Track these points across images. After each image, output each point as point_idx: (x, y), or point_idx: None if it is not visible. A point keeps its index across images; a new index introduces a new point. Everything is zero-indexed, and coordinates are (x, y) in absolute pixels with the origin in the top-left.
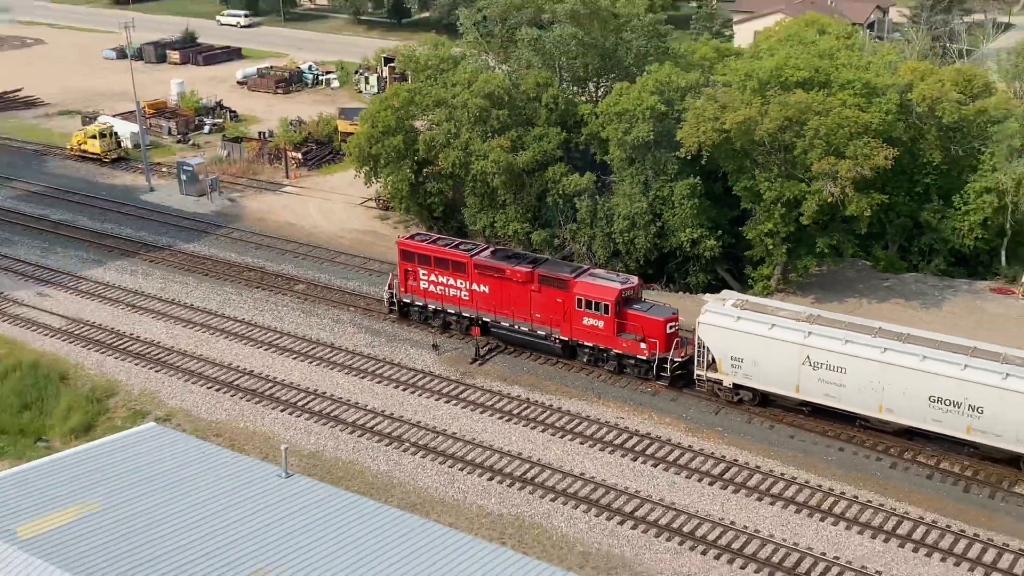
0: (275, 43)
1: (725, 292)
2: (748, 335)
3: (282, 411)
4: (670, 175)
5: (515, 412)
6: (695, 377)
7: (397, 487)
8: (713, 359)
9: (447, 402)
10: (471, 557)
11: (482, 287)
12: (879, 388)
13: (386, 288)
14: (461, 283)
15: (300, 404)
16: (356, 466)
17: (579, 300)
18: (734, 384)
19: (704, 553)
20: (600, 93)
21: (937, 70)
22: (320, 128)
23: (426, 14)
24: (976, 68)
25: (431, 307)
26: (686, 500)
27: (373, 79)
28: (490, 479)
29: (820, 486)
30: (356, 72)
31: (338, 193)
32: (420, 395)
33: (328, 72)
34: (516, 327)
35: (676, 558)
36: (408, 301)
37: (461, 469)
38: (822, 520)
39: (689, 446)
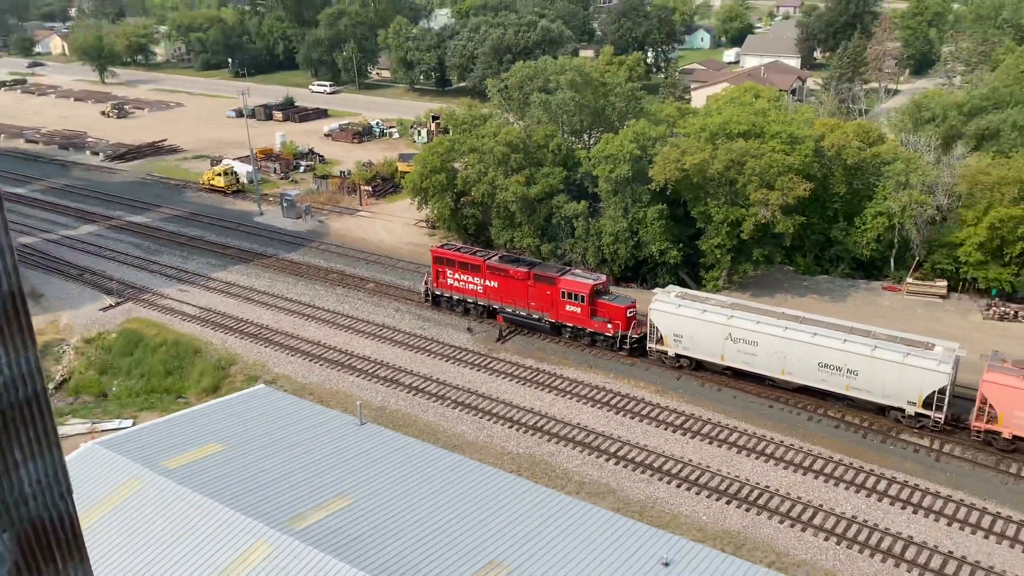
0: (352, 105)
1: (670, 287)
2: (686, 318)
3: (357, 376)
4: (644, 202)
5: (529, 378)
6: (647, 349)
7: (441, 433)
8: (660, 336)
9: (478, 370)
10: (494, 481)
11: (492, 283)
12: (782, 356)
13: (423, 284)
14: (477, 280)
15: (370, 371)
16: (411, 417)
17: (563, 292)
18: (676, 354)
19: (669, 483)
20: (592, 141)
21: (842, 124)
22: (385, 168)
23: (463, 84)
24: (872, 123)
25: (455, 298)
26: (655, 443)
27: (424, 132)
28: (510, 427)
29: (755, 433)
30: (411, 126)
31: (397, 216)
32: (458, 365)
33: (391, 127)
34: (517, 312)
35: (648, 486)
36: (439, 293)
37: (489, 420)
38: (757, 459)
39: (658, 404)
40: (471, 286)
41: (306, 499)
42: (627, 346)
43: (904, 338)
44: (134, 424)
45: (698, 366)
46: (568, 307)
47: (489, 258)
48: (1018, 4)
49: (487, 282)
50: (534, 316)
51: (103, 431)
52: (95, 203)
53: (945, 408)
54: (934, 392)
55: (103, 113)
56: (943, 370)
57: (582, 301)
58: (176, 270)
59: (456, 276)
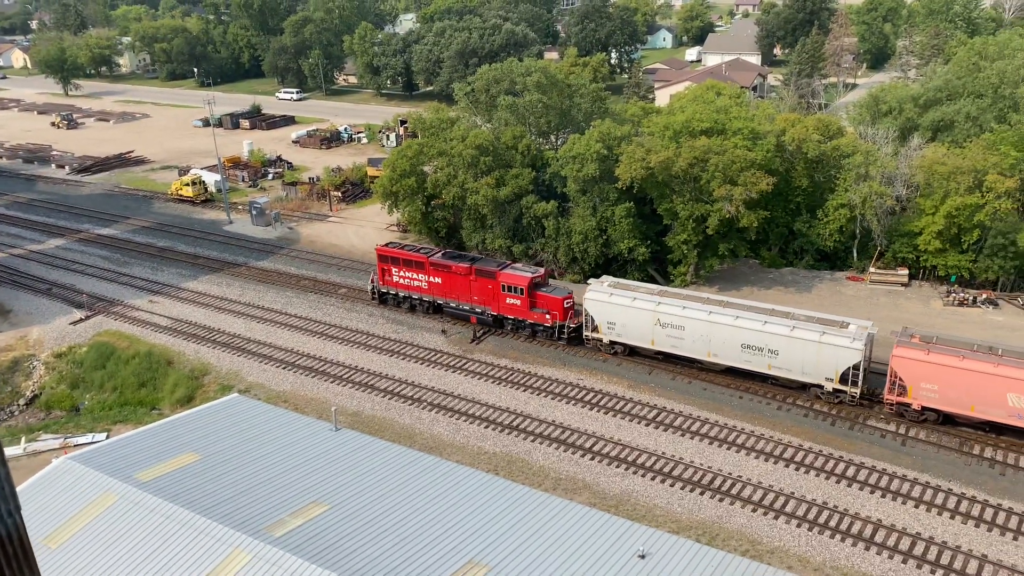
0: (320, 111)
1: (604, 277)
2: (618, 306)
3: (332, 382)
4: (611, 201)
5: (504, 378)
6: (584, 337)
7: (418, 436)
8: (595, 324)
9: (453, 372)
10: (471, 481)
11: (436, 279)
12: (707, 339)
13: (369, 282)
14: (422, 277)
15: (345, 377)
16: (387, 421)
17: (503, 286)
18: (611, 341)
19: (643, 476)
20: (559, 142)
21: (803, 119)
22: (354, 173)
23: (430, 88)
24: (831, 117)
25: (401, 295)
26: (629, 437)
27: (392, 136)
28: (486, 427)
29: (726, 424)
30: (379, 131)
31: (368, 221)
32: (433, 367)
33: (359, 132)
34: (461, 307)
35: (623, 480)
36: (385, 291)
37: (465, 421)
38: (728, 449)
39: (630, 398)
40: (416, 283)
41: (283, 506)
42: (565, 335)
43: (821, 318)
44: (108, 437)
45: (631, 352)
46: (508, 300)
47: (432, 255)
48: None
49: (431, 278)
50: (477, 310)
51: (76, 446)
52: (62, 216)
53: (860, 383)
54: (849, 368)
55: (53, 124)
56: (856, 347)
57: (521, 293)
58: (146, 281)
59: (401, 273)
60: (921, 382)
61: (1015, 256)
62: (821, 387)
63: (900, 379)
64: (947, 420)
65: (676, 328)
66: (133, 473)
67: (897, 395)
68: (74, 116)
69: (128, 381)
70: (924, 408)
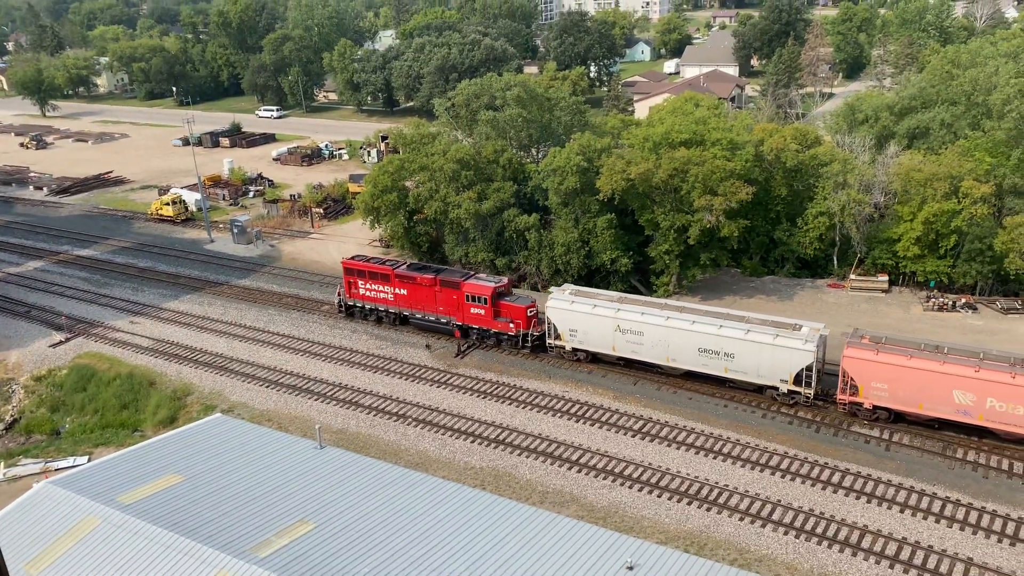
0: (300, 129)
1: (565, 285)
2: (579, 313)
3: (315, 400)
4: (593, 213)
5: (489, 392)
6: (547, 345)
7: (403, 452)
8: (558, 332)
9: (438, 387)
10: (457, 497)
11: (401, 291)
12: (665, 344)
13: (336, 296)
14: (387, 289)
15: (328, 394)
16: (372, 438)
17: (467, 296)
18: (573, 348)
19: (631, 487)
20: (540, 155)
21: (780, 129)
22: (335, 189)
23: (411, 103)
24: (808, 126)
25: (368, 307)
26: (615, 449)
27: (373, 152)
28: (472, 442)
29: (712, 433)
30: (360, 147)
31: (351, 237)
32: (418, 383)
33: (340, 148)
34: (426, 317)
35: (610, 492)
36: (352, 304)
37: (451, 436)
38: (715, 458)
39: (616, 409)
40: (382, 295)
41: (268, 526)
42: (529, 344)
43: (774, 321)
44: (89, 461)
45: (594, 359)
46: (473, 309)
47: (397, 267)
48: (940, 8)
49: (397, 290)
50: (442, 320)
51: (57, 470)
52: (41, 238)
53: (814, 384)
54: (803, 369)
55: (22, 145)
56: (808, 348)
57: (485, 303)
58: (127, 302)
59: (367, 286)
60: (872, 381)
61: (992, 260)
62: (776, 389)
63: (852, 379)
64: (898, 418)
65: (635, 334)
66: (116, 496)
67: (849, 395)
68: (43, 137)
69: (109, 403)
70: (876, 407)
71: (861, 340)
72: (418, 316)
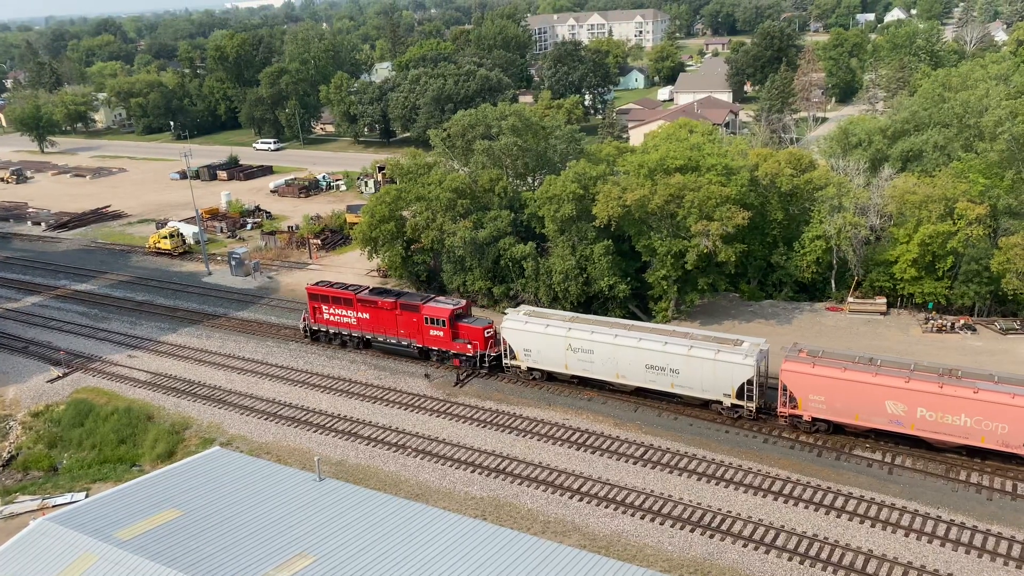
0: (297, 161)
1: (521, 307)
2: (533, 333)
3: (314, 432)
4: (590, 239)
5: (489, 420)
6: (504, 365)
7: (403, 483)
8: (513, 351)
9: (438, 416)
10: (458, 528)
11: (364, 315)
12: (615, 361)
13: (301, 321)
14: (351, 313)
15: (327, 426)
16: (372, 469)
17: (426, 318)
18: (528, 367)
19: (633, 515)
20: (536, 183)
21: (775, 153)
22: (333, 220)
23: (407, 134)
24: (803, 151)
25: (332, 331)
26: (616, 477)
27: (371, 183)
28: (473, 471)
29: (714, 459)
30: (358, 178)
31: (348, 267)
32: (417, 412)
33: (337, 179)
34: (388, 340)
35: (612, 520)
36: (316, 328)
37: (451, 466)
38: (717, 484)
39: (617, 436)
40: (345, 319)
41: (267, 560)
42: (487, 364)
43: (717, 337)
44: (87, 497)
45: (549, 377)
46: (432, 332)
47: (360, 292)
48: (930, 32)
49: (359, 314)
50: (403, 343)
51: (55, 506)
52: (39, 273)
53: (756, 398)
54: (744, 383)
55: (1, 179)
56: (748, 363)
57: (443, 325)
58: (125, 336)
59: (331, 311)
60: (809, 394)
61: (989, 281)
62: (720, 403)
63: (790, 392)
64: (837, 430)
65: (586, 352)
66: (113, 532)
67: (789, 407)
68: (24, 171)
69: (107, 438)
70: (814, 419)
71: (799, 354)
72: (380, 339)
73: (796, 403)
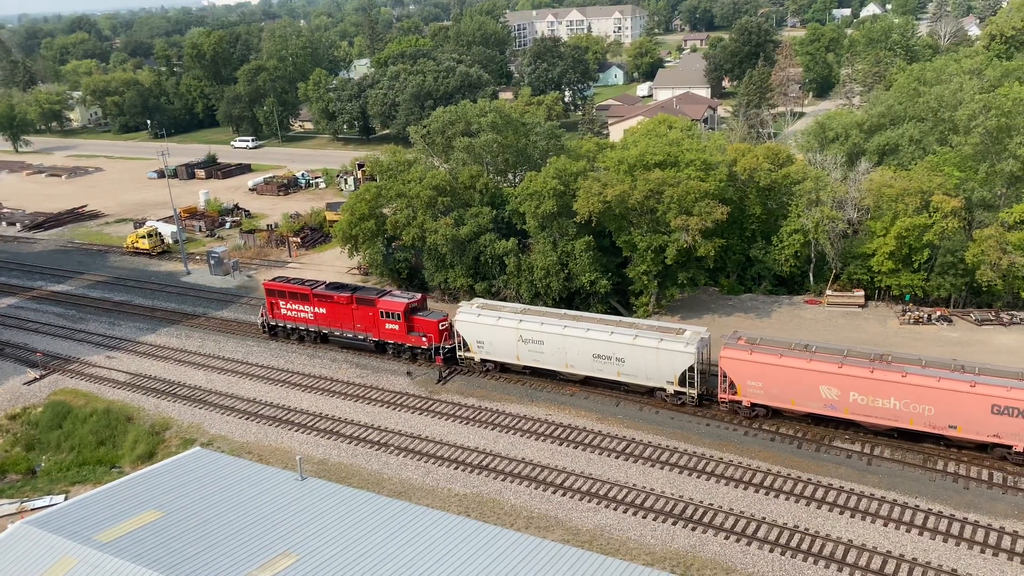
0: (276, 158)
1: (475, 300)
2: (485, 325)
3: (296, 431)
4: (571, 236)
5: (471, 417)
6: (458, 357)
7: (386, 481)
8: (467, 344)
9: (420, 414)
10: (441, 525)
11: (321, 309)
12: (564, 351)
13: (259, 316)
14: (307, 308)
15: (309, 425)
16: (354, 468)
17: (382, 312)
18: (481, 359)
19: (615, 509)
20: (517, 180)
21: (753, 148)
22: (313, 218)
23: (387, 131)
24: (780, 145)
25: (289, 326)
26: (599, 471)
27: (350, 180)
28: (456, 468)
29: (695, 453)
30: (337, 176)
31: (329, 265)
32: (399, 410)
33: (316, 177)
34: (345, 335)
35: (595, 515)
36: (274, 324)
37: (434, 463)
38: (698, 477)
39: (599, 431)
40: (302, 314)
41: (250, 559)
42: (441, 356)
43: (661, 326)
44: (66, 499)
45: (502, 368)
46: (387, 325)
47: (316, 287)
48: (905, 27)
49: (316, 309)
50: (359, 337)
51: (33, 509)
52: (14, 274)
53: (697, 385)
54: (686, 371)
55: None
56: (689, 351)
57: (398, 319)
58: (103, 337)
59: (288, 306)
60: (748, 380)
61: (964, 273)
62: (664, 390)
63: (730, 378)
64: (776, 415)
65: (536, 343)
66: (93, 535)
67: (729, 394)
68: None
69: (86, 440)
70: (753, 404)
71: (738, 341)
72: (337, 333)
73: (736, 389)
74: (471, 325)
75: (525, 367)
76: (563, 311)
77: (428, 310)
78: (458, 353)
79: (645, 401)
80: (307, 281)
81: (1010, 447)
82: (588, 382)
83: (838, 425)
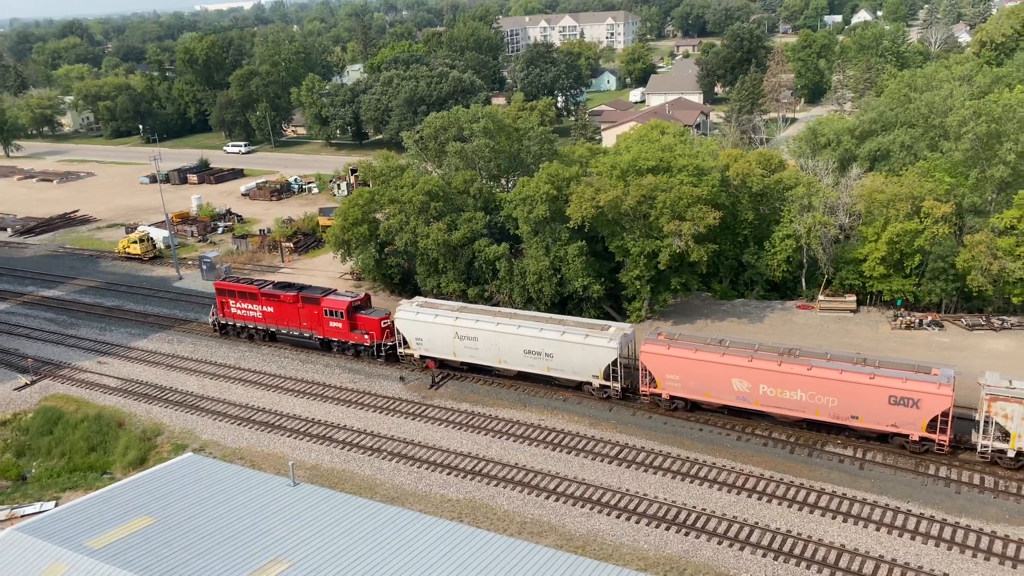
0: (268, 164)
1: (416, 298)
2: (423, 323)
3: (289, 436)
4: (564, 240)
5: (464, 423)
6: (399, 354)
7: (379, 487)
8: (407, 341)
9: (413, 419)
10: (435, 530)
11: (268, 308)
12: (497, 348)
13: (210, 315)
14: (256, 307)
15: (302, 430)
16: (347, 473)
17: (326, 310)
18: (420, 356)
19: (608, 514)
20: (510, 185)
21: (745, 154)
22: (305, 223)
23: (380, 136)
24: (772, 151)
25: (239, 325)
26: (592, 476)
27: (343, 185)
28: (449, 474)
29: (688, 457)
30: (330, 181)
31: (321, 270)
32: (392, 416)
33: (309, 182)
34: (291, 332)
35: (588, 520)
36: (224, 322)
37: (427, 469)
38: (691, 482)
39: (592, 436)
40: (251, 313)
41: (242, 566)
42: (383, 354)
43: (588, 323)
44: (57, 506)
45: (441, 364)
46: (332, 323)
47: (264, 286)
48: (896, 33)
49: (264, 308)
50: (305, 335)
51: (23, 516)
52: (5, 279)
53: (620, 379)
54: (609, 365)
55: None
56: (612, 346)
57: (342, 317)
58: (95, 342)
59: (238, 305)
60: (666, 374)
61: (955, 278)
62: (591, 384)
63: (649, 372)
64: (694, 407)
65: (472, 340)
66: (84, 541)
67: (650, 387)
68: None
69: (77, 446)
70: (672, 397)
71: (658, 337)
72: (284, 332)
73: (656, 383)
74: (410, 323)
75: (462, 363)
76: (497, 309)
77: (371, 308)
78: (399, 350)
79: (637, 406)
80: (256, 281)
81: (907, 436)
82: (521, 377)
83: (751, 416)
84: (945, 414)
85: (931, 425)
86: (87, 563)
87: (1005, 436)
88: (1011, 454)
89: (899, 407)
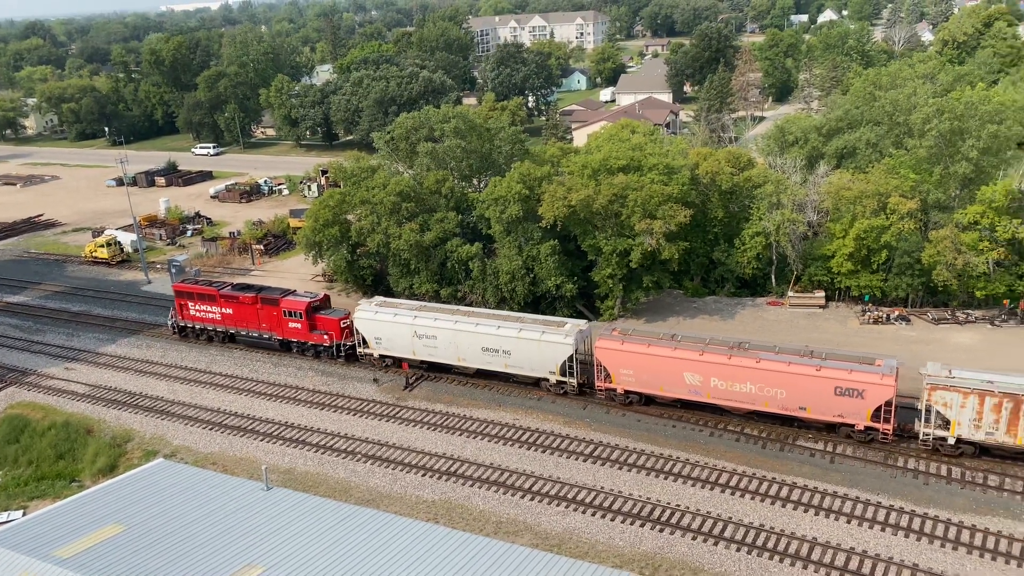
0: (237, 165)
1: (375, 298)
2: (382, 322)
3: (261, 440)
4: (536, 240)
5: (439, 423)
6: (358, 354)
7: (354, 489)
8: (366, 340)
9: (387, 421)
10: (410, 532)
11: (228, 310)
12: (456, 346)
13: (169, 317)
14: (215, 309)
15: (275, 434)
16: (321, 476)
17: (285, 311)
18: (380, 355)
19: (584, 512)
20: (482, 185)
21: (714, 152)
22: (276, 225)
23: (350, 137)
24: (741, 149)
25: (199, 327)
26: (567, 474)
27: (314, 186)
28: (424, 475)
29: (661, 454)
30: (300, 182)
31: (292, 272)
32: (366, 418)
33: (279, 184)
34: (251, 334)
35: (564, 518)
36: (183, 325)
37: (402, 470)
38: (665, 479)
39: (567, 435)
40: (210, 315)
41: (215, 572)
42: (343, 354)
43: (544, 320)
44: (24, 515)
45: (396, 363)
46: (291, 324)
47: (223, 288)
48: (860, 32)
49: (223, 309)
50: (265, 336)
51: None
52: None
53: (576, 374)
54: (565, 362)
55: None
56: (568, 342)
57: (300, 317)
58: (61, 348)
59: (197, 307)
60: (620, 369)
61: (921, 273)
62: (547, 380)
63: (605, 367)
64: (649, 401)
65: (430, 338)
66: (52, 550)
67: (605, 382)
68: None
69: (44, 454)
70: (627, 391)
71: (612, 333)
72: (243, 333)
73: (611, 378)
74: (369, 322)
75: (422, 362)
76: (455, 307)
77: (331, 308)
78: (358, 349)
79: (611, 404)
80: (215, 283)
81: (853, 426)
82: (479, 375)
83: (704, 409)
84: (888, 404)
85: (875, 415)
86: (56, 572)
87: (946, 424)
88: (951, 441)
89: (844, 398)
